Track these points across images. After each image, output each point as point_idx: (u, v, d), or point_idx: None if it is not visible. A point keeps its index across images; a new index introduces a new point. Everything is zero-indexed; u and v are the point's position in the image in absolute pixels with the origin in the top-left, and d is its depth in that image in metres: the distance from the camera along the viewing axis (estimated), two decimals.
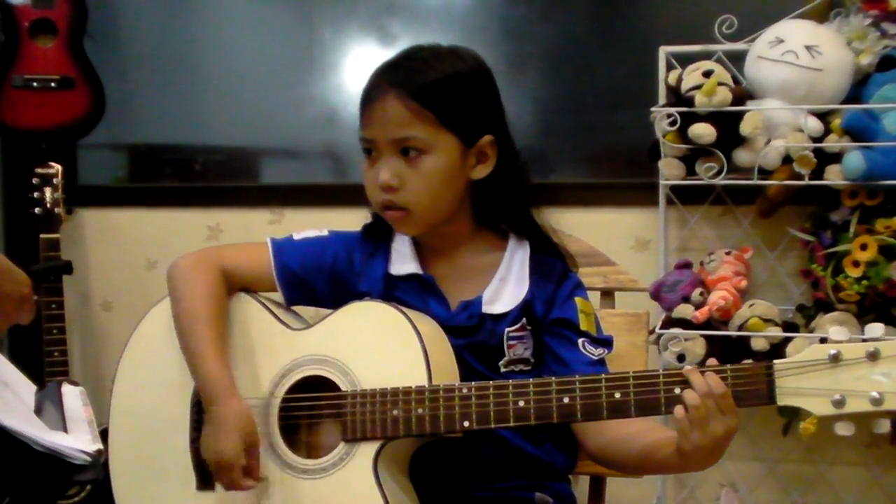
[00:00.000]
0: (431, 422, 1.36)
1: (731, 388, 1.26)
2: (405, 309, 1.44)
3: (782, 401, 1.25)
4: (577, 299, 1.50)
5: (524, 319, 1.48)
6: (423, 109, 1.41)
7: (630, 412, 1.31)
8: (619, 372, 1.35)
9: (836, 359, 1.23)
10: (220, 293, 1.52)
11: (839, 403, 1.23)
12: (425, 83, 1.42)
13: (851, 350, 1.23)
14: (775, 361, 1.26)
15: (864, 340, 1.24)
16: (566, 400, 1.33)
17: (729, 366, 1.28)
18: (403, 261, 1.52)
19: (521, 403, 1.34)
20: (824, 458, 2.41)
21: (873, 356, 1.22)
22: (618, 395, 1.31)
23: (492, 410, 1.35)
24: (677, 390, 1.28)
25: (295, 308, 1.58)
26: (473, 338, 1.47)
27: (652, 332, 2.16)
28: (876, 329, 1.23)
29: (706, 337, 2.19)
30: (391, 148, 1.42)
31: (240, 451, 1.40)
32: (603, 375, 1.35)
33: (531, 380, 1.37)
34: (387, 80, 1.43)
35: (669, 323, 2.22)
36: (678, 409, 1.27)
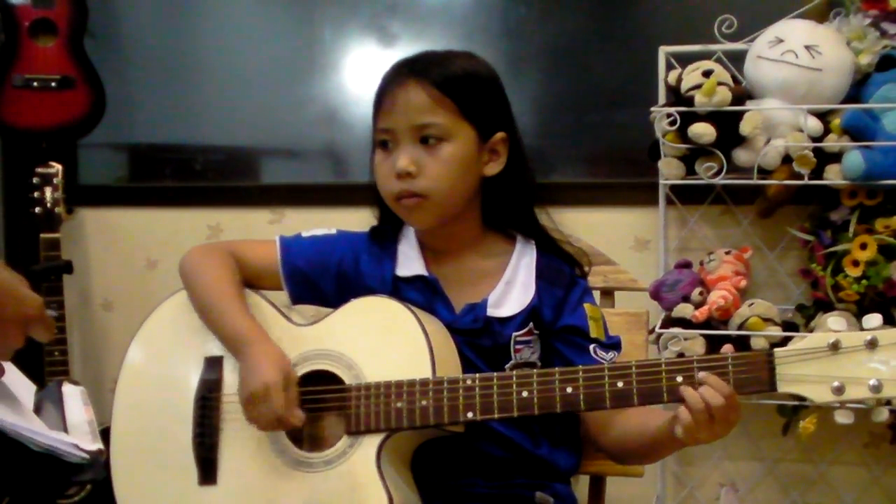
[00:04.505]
0: (435, 413, 1.37)
1: (733, 374, 1.27)
2: (409, 304, 1.45)
3: (782, 388, 1.26)
4: (586, 305, 1.51)
5: (531, 324, 1.49)
6: (445, 97, 1.43)
7: (633, 401, 1.32)
8: (622, 362, 1.36)
9: (835, 347, 1.24)
10: (236, 271, 1.54)
11: (839, 390, 1.24)
12: (446, 74, 1.44)
13: (850, 338, 1.24)
14: (775, 349, 1.27)
15: (863, 330, 1.25)
16: (569, 390, 1.34)
17: (730, 354, 1.30)
18: (409, 263, 1.53)
19: (525, 394, 1.35)
20: (824, 457, 2.41)
21: (872, 344, 1.23)
22: (620, 385, 1.32)
23: (495, 401, 1.36)
24: (679, 378, 1.29)
25: (297, 308, 1.58)
26: (478, 341, 1.48)
27: (652, 331, 2.16)
28: (874, 319, 1.25)
29: (706, 336, 2.19)
30: (410, 135, 1.43)
31: (281, 379, 1.39)
32: (606, 365, 1.35)
33: (534, 370, 1.38)
34: (407, 70, 1.45)
35: (669, 322, 2.22)
36: (682, 413, 1.28)
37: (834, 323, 1.27)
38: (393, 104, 1.44)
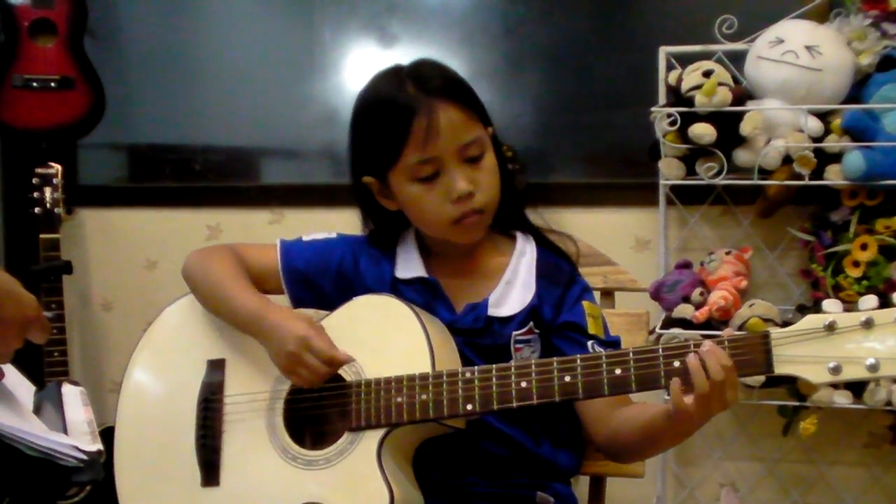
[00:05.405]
0: (435, 406, 1.37)
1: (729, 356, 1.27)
2: (409, 302, 1.45)
3: (779, 369, 1.25)
4: (585, 303, 1.51)
5: (531, 323, 1.49)
6: (469, 110, 1.43)
7: (631, 387, 1.31)
8: (619, 349, 1.35)
9: (831, 327, 1.24)
10: (239, 263, 1.54)
11: (835, 370, 1.23)
12: (459, 85, 1.44)
13: (846, 319, 1.24)
14: (771, 331, 1.27)
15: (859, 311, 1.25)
16: (567, 378, 1.33)
17: (726, 336, 1.29)
18: (409, 265, 1.53)
19: (524, 384, 1.34)
20: (824, 458, 2.41)
21: (868, 324, 1.22)
22: (618, 371, 1.31)
23: (494, 392, 1.35)
24: (676, 363, 1.29)
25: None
26: (479, 340, 1.48)
27: (652, 332, 2.16)
28: (870, 300, 1.24)
29: (706, 337, 2.18)
30: (456, 157, 1.42)
31: (310, 327, 1.39)
32: (603, 353, 1.35)
33: (532, 360, 1.38)
34: (427, 94, 1.40)
35: (669, 323, 2.22)
36: (685, 400, 1.27)
37: (829, 305, 1.26)
38: (436, 132, 1.39)
